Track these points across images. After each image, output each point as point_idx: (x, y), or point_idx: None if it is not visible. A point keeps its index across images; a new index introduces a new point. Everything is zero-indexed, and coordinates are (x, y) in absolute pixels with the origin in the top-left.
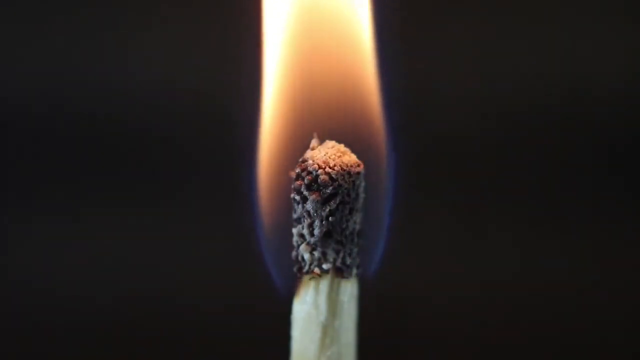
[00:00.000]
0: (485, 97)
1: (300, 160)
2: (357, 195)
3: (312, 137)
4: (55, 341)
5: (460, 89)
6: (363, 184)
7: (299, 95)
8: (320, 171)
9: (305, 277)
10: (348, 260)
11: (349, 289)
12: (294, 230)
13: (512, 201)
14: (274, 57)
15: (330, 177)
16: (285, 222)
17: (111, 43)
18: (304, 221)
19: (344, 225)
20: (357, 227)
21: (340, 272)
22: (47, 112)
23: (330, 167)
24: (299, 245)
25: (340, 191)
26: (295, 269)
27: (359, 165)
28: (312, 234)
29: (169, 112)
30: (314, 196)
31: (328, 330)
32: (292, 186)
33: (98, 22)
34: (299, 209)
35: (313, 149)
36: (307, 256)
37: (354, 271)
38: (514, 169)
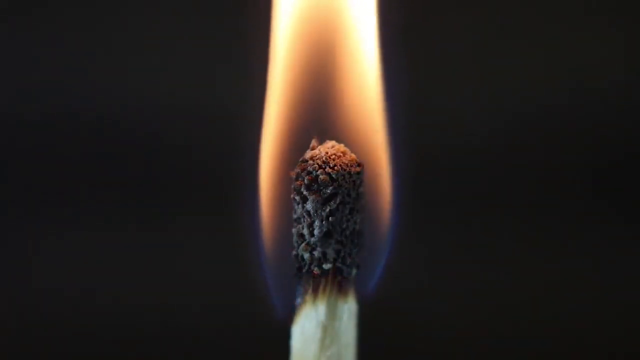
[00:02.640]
0: (488, 105)
1: (300, 160)
2: (358, 195)
3: (312, 137)
4: (53, 348)
5: (462, 95)
6: (364, 185)
7: (299, 96)
8: (320, 171)
9: (305, 278)
10: (348, 260)
11: (350, 290)
12: (294, 230)
13: (516, 211)
14: (274, 57)
15: (330, 177)
16: (286, 222)
17: (112, 47)
18: (304, 221)
19: (344, 225)
20: (357, 227)
21: (340, 272)
22: (48, 118)
23: (330, 167)
24: (299, 245)
25: (340, 191)
26: (295, 269)
27: (359, 165)
28: (312, 234)
29: (167, 116)
30: (314, 196)
31: (328, 330)
32: (292, 186)
33: (100, 27)
34: (299, 209)
35: (313, 149)
36: (307, 256)
37: (354, 271)
38: (518, 178)
